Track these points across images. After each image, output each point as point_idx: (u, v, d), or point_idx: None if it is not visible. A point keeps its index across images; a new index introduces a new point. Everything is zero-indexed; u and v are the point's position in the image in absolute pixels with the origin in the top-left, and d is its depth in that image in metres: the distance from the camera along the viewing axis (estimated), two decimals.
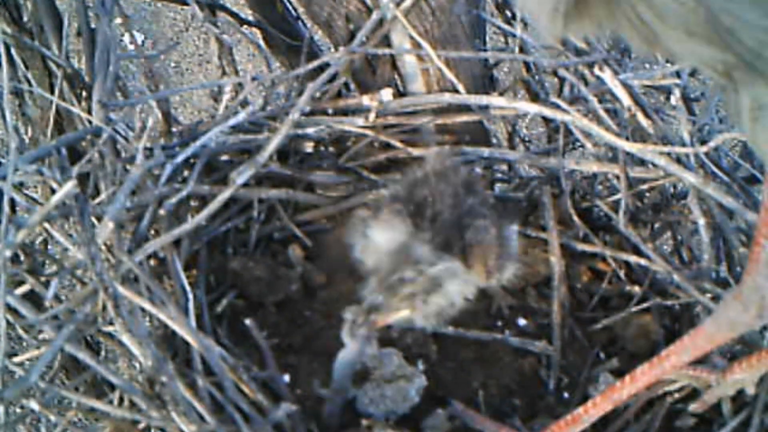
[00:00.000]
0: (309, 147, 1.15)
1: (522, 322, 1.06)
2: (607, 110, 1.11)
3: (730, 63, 0.51)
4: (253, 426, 0.82)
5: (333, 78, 1.14)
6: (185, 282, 0.91)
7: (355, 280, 1.06)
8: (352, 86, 1.22)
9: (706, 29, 0.51)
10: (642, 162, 1.08)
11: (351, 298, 1.05)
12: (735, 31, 0.49)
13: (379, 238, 0.95)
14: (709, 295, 0.99)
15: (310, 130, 1.12)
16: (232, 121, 1.06)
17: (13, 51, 1.15)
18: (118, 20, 1.10)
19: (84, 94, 1.13)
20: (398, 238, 0.94)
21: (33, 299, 0.88)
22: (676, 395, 0.93)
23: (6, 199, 0.81)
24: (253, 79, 1.12)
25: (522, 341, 1.03)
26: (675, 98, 1.13)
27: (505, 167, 1.24)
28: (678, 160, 1.04)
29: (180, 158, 0.99)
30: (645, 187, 1.09)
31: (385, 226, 0.95)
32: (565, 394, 0.99)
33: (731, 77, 0.52)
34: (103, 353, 1.05)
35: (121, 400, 0.85)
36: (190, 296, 0.89)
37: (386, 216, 0.95)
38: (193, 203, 1.05)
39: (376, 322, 0.91)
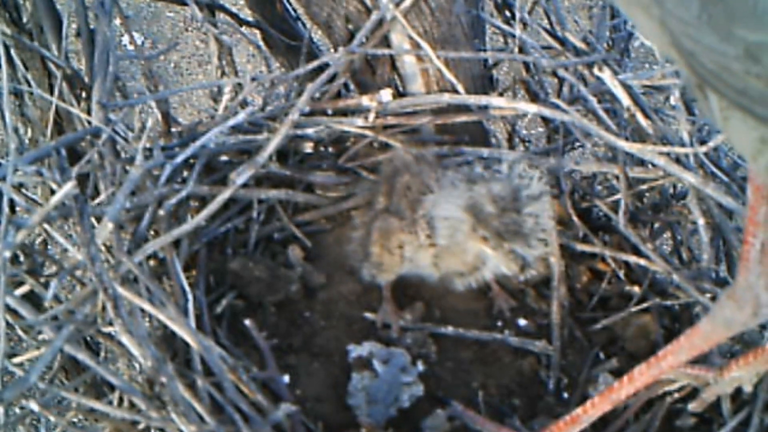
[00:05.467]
0: (308, 147, 1.15)
1: (522, 322, 1.06)
2: (606, 110, 1.11)
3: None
4: (252, 426, 0.82)
5: (332, 78, 1.14)
6: (185, 282, 0.91)
7: (354, 281, 1.07)
8: (352, 87, 1.22)
9: (671, 51, 0.52)
10: (641, 162, 1.08)
11: (350, 299, 1.06)
12: (696, 54, 0.51)
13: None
14: (708, 295, 0.99)
15: (309, 131, 1.12)
16: (231, 122, 1.06)
17: (12, 52, 1.15)
18: (118, 21, 1.10)
19: (83, 94, 1.13)
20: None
21: (33, 300, 0.88)
22: (676, 395, 0.93)
23: (6, 199, 0.81)
24: (253, 79, 1.12)
25: (522, 341, 1.03)
26: (674, 98, 1.13)
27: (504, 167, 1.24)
28: (677, 160, 1.04)
29: (179, 159, 0.99)
30: (644, 187, 1.09)
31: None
32: (565, 395, 0.99)
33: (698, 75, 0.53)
34: (102, 354, 1.05)
35: (121, 400, 0.85)
36: (190, 297, 0.89)
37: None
38: (192, 204, 1.05)
39: None
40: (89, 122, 1.02)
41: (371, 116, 1.12)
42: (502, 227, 0.97)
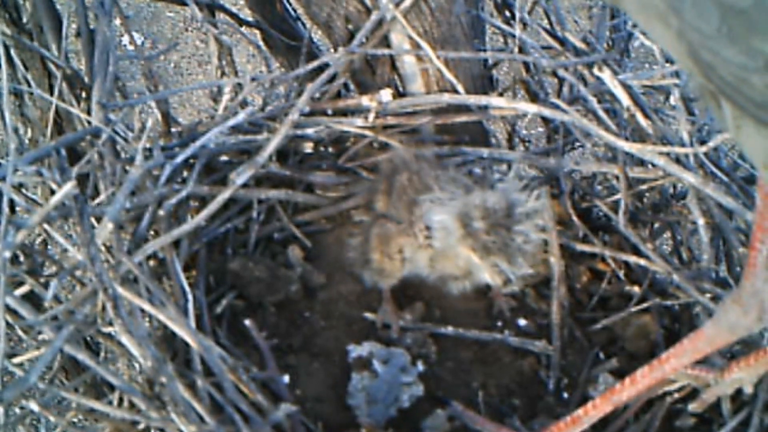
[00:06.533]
0: (308, 147, 1.15)
1: (522, 322, 1.06)
2: (606, 110, 1.11)
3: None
4: (252, 426, 0.82)
5: (332, 78, 1.14)
6: (185, 282, 0.91)
7: (354, 281, 1.07)
8: (352, 87, 1.22)
9: (688, 61, 0.52)
10: (641, 162, 1.08)
11: (350, 299, 1.06)
12: (714, 66, 0.51)
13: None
14: (708, 296, 0.99)
15: (309, 131, 1.12)
16: (231, 122, 1.06)
17: (12, 52, 1.15)
18: (118, 21, 1.10)
19: (83, 94, 1.13)
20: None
21: (33, 300, 0.88)
22: (676, 395, 0.93)
23: (5, 199, 0.81)
24: (253, 79, 1.12)
25: (522, 341, 1.03)
26: (674, 98, 1.13)
27: (504, 167, 1.24)
28: (677, 160, 1.04)
29: (179, 159, 0.99)
30: (644, 187, 1.09)
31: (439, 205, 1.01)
32: (565, 395, 0.99)
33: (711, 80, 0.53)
34: (102, 354, 1.05)
35: (121, 400, 0.85)
36: (190, 297, 0.89)
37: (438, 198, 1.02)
38: (192, 204, 1.05)
39: None
40: (89, 122, 1.02)
41: (371, 116, 1.12)
42: (489, 242, 0.97)
